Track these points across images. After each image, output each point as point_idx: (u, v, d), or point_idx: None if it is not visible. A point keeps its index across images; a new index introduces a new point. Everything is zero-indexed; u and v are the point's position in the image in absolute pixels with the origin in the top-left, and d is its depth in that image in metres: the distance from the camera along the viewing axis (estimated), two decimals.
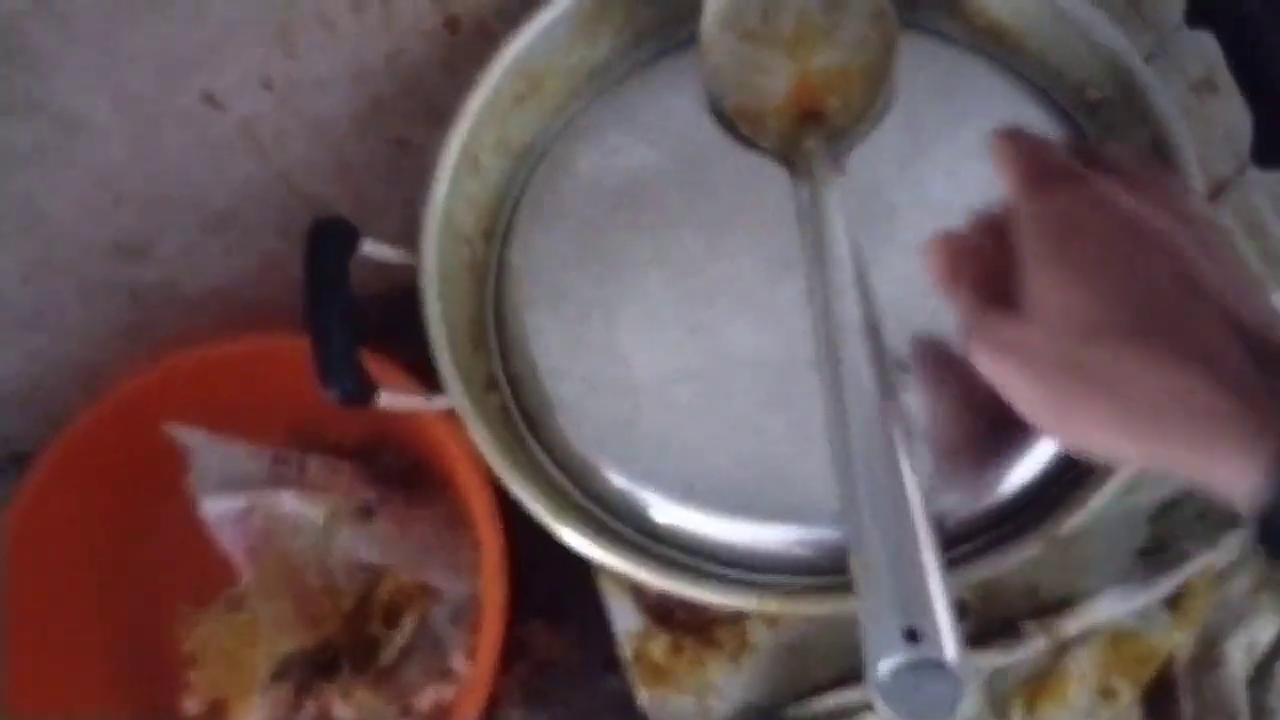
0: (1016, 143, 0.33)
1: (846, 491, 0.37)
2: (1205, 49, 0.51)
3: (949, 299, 0.34)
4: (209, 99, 0.50)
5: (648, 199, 0.47)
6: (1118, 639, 0.49)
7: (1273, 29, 0.56)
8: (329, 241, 0.42)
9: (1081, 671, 0.49)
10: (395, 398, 0.42)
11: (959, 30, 0.51)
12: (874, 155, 0.45)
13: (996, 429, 0.34)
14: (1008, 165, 0.33)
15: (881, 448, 0.36)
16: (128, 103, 0.49)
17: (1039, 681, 0.49)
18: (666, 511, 0.41)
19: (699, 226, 0.46)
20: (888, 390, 0.38)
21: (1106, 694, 0.49)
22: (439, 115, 0.56)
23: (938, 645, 0.32)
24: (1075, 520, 0.39)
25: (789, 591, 0.39)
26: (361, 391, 0.40)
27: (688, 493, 0.41)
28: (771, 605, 0.39)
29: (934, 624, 0.33)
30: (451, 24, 0.52)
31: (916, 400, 0.36)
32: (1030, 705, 0.48)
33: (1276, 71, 0.54)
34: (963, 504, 0.40)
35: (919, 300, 0.34)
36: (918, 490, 0.36)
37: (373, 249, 0.45)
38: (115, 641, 0.60)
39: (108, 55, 0.46)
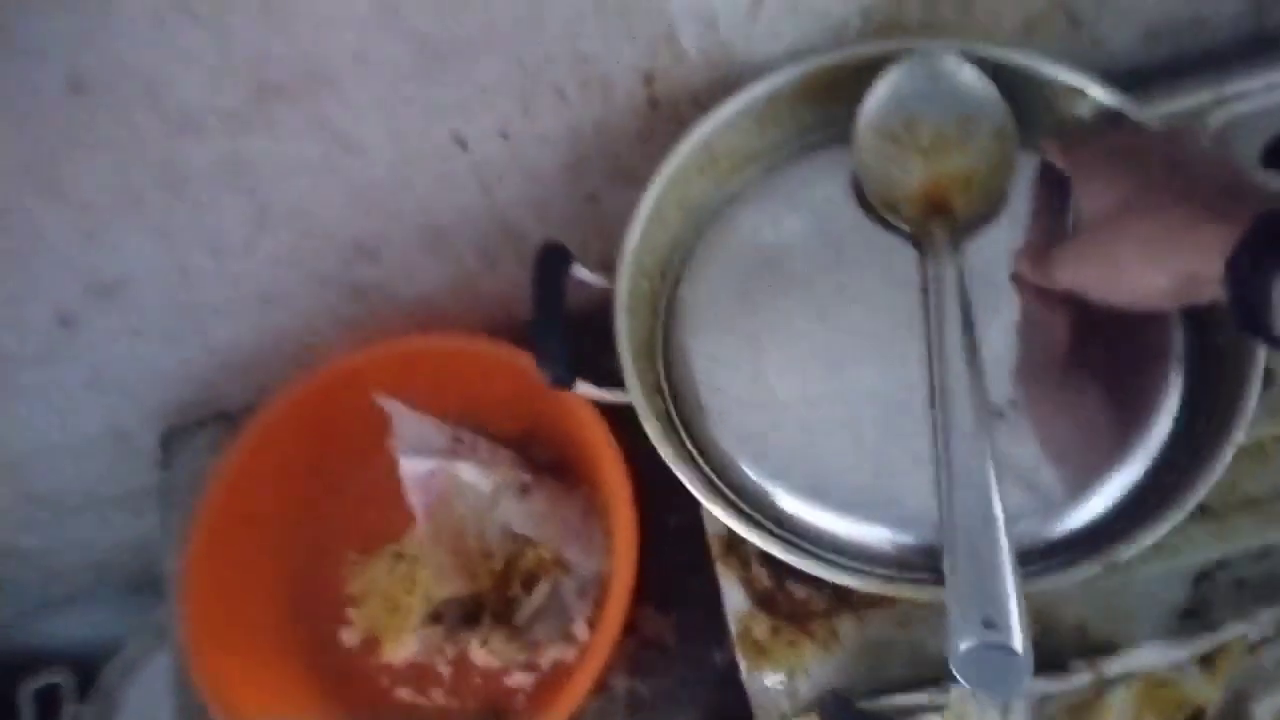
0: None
1: (945, 505, 0.47)
2: None
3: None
4: (458, 140, 0.63)
5: (797, 258, 0.58)
6: (1154, 684, 0.57)
7: None
8: (553, 257, 0.54)
9: (1121, 707, 0.56)
10: (587, 387, 0.53)
11: None
12: (988, 244, 0.56)
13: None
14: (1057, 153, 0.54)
15: (977, 474, 0.47)
16: (396, 134, 0.62)
17: (1080, 711, 0.56)
18: (792, 505, 0.51)
19: (839, 284, 0.57)
20: (984, 430, 0.48)
21: None
22: (627, 177, 0.69)
23: (1009, 633, 0.42)
24: (1131, 552, 0.47)
25: (887, 579, 0.49)
26: (568, 376, 0.51)
27: (810, 491, 0.51)
28: (873, 586, 0.48)
29: (1007, 617, 0.43)
30: (653, 103, 0.64)
31: (1009, 441, 0.46)
32: None
33: None
34: (1037, 530, 0.49)
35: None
36: (1001, 511, 0.46)
37: (580, 272, 0.56)
38: (290, 580, 0.71)
39: (392, 97, 0.59)
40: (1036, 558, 0.49)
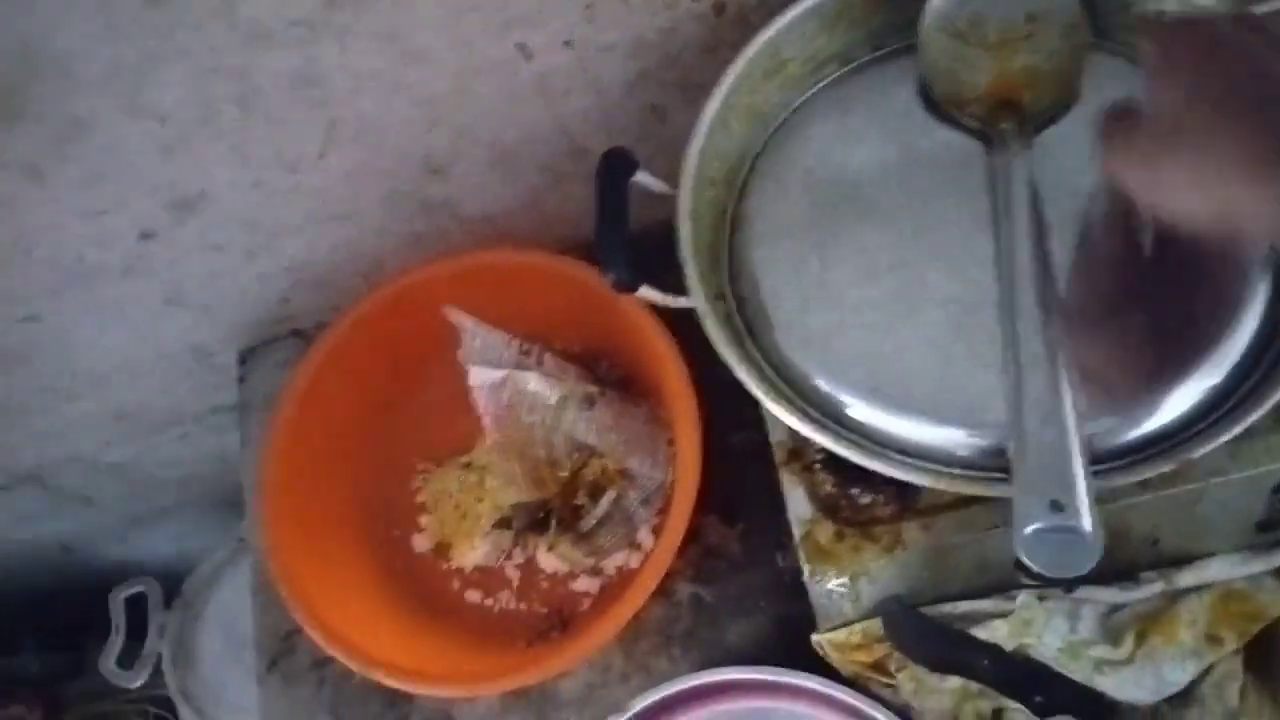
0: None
1: (1014, 391, 0.46)
2: None
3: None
4: (522, 49, 0.63)
5: (864, 165, 0.57)
6: (1229, 595, 0.56)
7: None
8: (617, 162, 0.54)
9: (1192, 617, 0.55)
10: (651, 292, 0.53)
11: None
12: (1057, 143, 0.54)
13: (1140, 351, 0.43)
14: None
15: (1046, 360, 0.46)
16: (460, 44, 0.62)
17: (1152, 619, 0.56)
18: (858, 409, 0.51)
19: (908, 190, 0.56)
20: (1051, 319, 0.47)
21: (1213, 640, 0.55)
22: (694, 89, 0.67)
23: (1077, 515, 0.41)
24: (1205, 448, 0.46)
25: (955, 477, 0.49)
26: (631, 279, 0.51)
27: (876, 394, 0.50)
28: (940, 483, 0.48)
29: (1074, 498, 0.42)
30: (718, 8, 0.63)
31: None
32: (1141, 637, 0.55)
33: None
34: (1114, 428, 0.48)
35: None
36: (1070, 396, 0.45)
37: (643, 178, 0.56)
38: (363, 489, 0.74)
39: (456, 5, 0.59)
40: (1111, 457, 0.48)
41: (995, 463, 0.49)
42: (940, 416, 0.49)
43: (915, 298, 0.52)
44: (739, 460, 0.65)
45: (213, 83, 0.60)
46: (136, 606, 0.99)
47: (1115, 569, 0.58)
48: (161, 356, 0.84)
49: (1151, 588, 0.57)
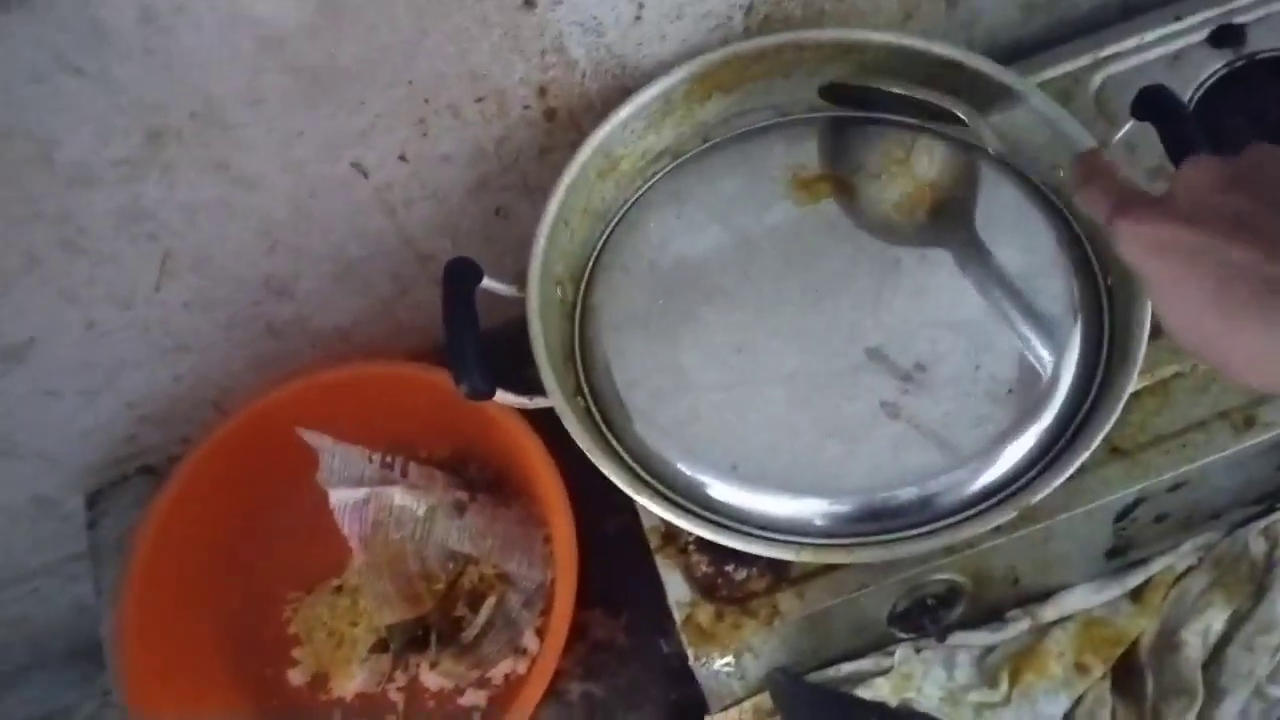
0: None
1: None
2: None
3: (1086, 201, 0.44)
4: (358, 167, 0.63)
5: (703, 251, 0.60)
6: (1090, 624, 0.59)
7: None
8: (462, 272, 0.54)
9: (1060, 649, 0.58)
10: (508, 396, 0.53)
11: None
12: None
13: None
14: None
15: None
16: (292, 167, 0.61)
17: (1022, 657, 0.58)
18: (719, 489, 0.52)
19: (745, 272, 0.58)
20: None
21: (1081, 669, 0.58)
22: (534, 190, 0.69)
23: None
24: (1039, 495, 0.49)
25: (818, 546, 0.50)
26: (486, 387, 0.51)
27: (735, 473, 0.52)
28: (807, 555, 0.49)
29: None
30: (549, 114, 0.65)
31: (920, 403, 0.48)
32: (1015, 676, 0.58)
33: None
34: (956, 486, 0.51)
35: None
36: None
37: (490, 284, 0.57)
38: (230, 626, 0.70)
39: (285, 131, 0.59)
40: (957, 510, 0.50)
41: (852, 529, 0.50)
42: (796, 489, 0.51)
43: (761, 376, 0.55)
44: (617, 547, 0.65)
45: (32, 229, 0.58)
46: None
47: (982, 611, 0.60)
48: (1, 513, 0.79)
49: (1019, 625, 0.59)
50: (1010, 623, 0.59)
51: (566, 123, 0.66)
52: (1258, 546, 0.61)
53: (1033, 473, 0.51)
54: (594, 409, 0.57)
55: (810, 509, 0.51)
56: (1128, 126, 0.56)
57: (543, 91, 0.64)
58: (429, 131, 0.63)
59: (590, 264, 0.62)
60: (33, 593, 0.90)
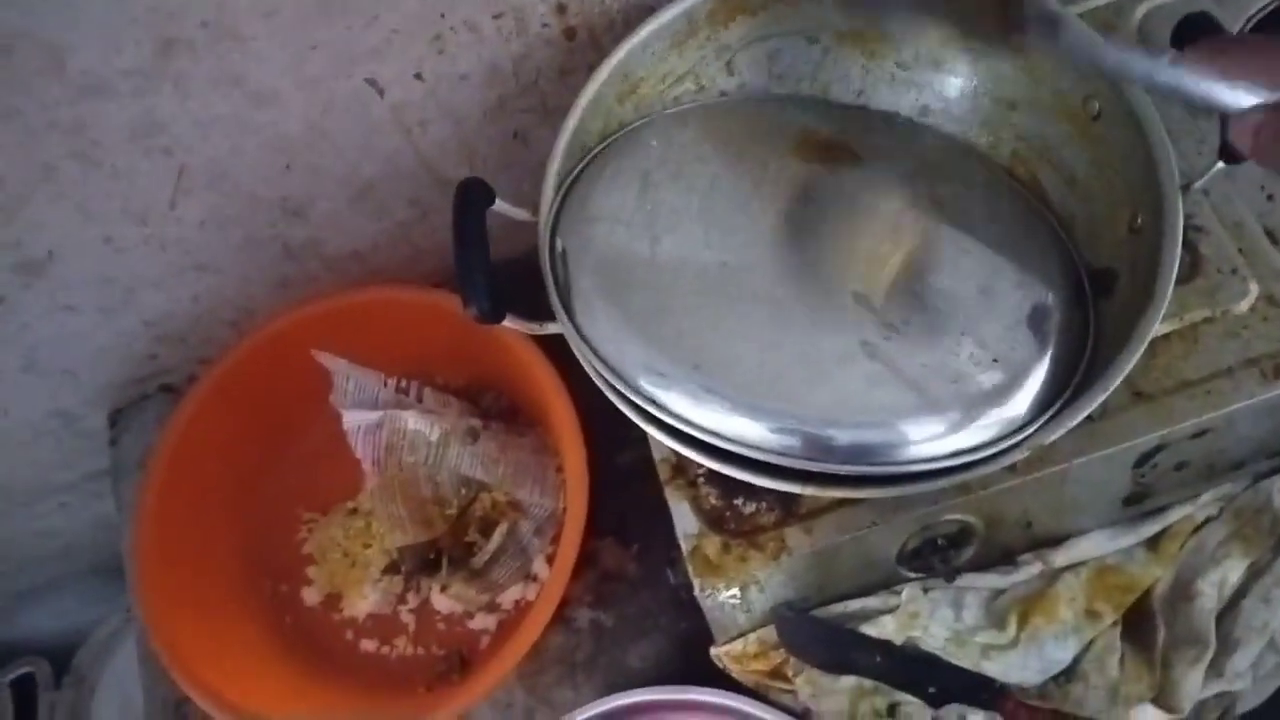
0: None
1: None
2: None
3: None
4: (372, 84, 0.62)
5: (700, 177, 0.58)
6: (1103, 570, 0.58)
7: None
8: (473, 193, 0.53)
9: (1070, 594, 0.57)
10: (517, 321, 0.53)
11: None
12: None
13: None
14: None
15: None
16: (308, 83, 0.60)
17: (1032, 601, 0.57)
18: (676, 390, 0.50)
19: (737, 202, 0.57)
20: None
21: (1091, 615, 0.57)
22: (554, 114, 0.68)
23: None
24: (1051, 436, 0.47)
25: (828, 481, 0.49)
26: (495, 311, 0.51)
27: (696, 373, 0.50)
28: (814, 489, 0.49)
29: None
30: (569, 33, 0.64)
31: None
32: (1024, 619, 0.57)
33: None
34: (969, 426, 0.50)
35: None
36: None
37: (503, 207, 0.56)
38: (246, 545, 0.71)
39: (299, 44, 0.58)
40: (969, 453, 0.49)
41: (863, 458, 0.49)
42: (756, 404, 0.49)
43: (739, 293, 0.53)
44: (629, 479, 0.65)
45: (47, 140, 0.58)
46: (25, 688, 0.94)
47: (993, 554, 0.59)
48: (26, 427, 0.80)
49: (1030, 569, 0.58)
50: (1021, 566, 0.58)
51: (586, 42, 0.64)
52: (1279, 499, 0.59)
53: (1047, 416, 0.50)
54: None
55: (768, 429, 0.49)
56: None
57: (562, 8, 0.62)
58: (445, 49, 0.61)
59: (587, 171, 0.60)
60: (61, 508, 0.92)
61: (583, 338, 0.52)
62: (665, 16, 0.61)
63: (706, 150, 0.61)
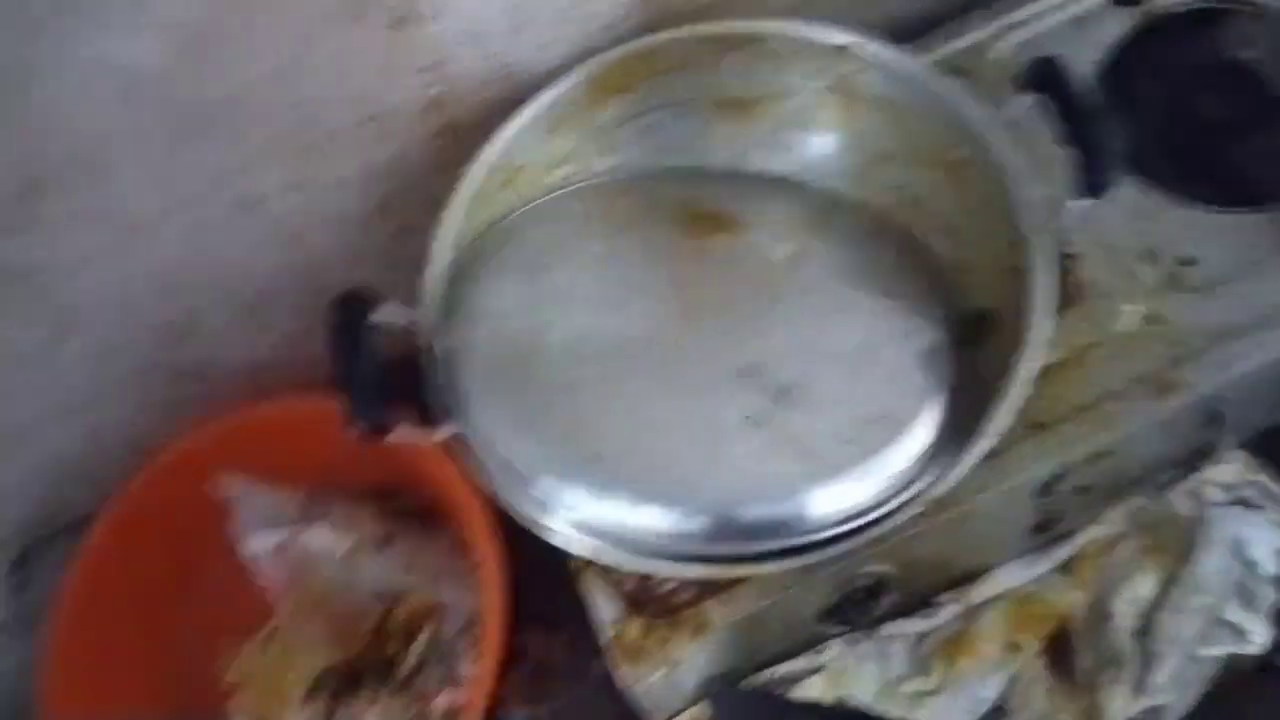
0: None
1: None
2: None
3: None
4: (247, 200, 0.61)
5: (582, 263, 0.60)
6: (1021, 601, 0.59)
7: None
8: (351, 304, 0.53)
9: (992, 630, 0.58)
10: (406, 430, 0.52)
11: None
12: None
13: None
14: None
15: None
16: (182, 205, 0.60)
17: (954, 642, 0.58)
18: (571, 489, 0.51)
19: (621, 285, 0.58)
20: None
21: (1013, 648, 0.58)
22: (437, 208, 0.67)
23: None
24: (943, 488, 0.48)
25: (735, 561, 0.49)
26: (381, 426, 0.50)
27: (588, 470, 0.51)
28: (719, 572, 0.49)
29: None
30: (444, 130, 0.64)
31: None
32: (949, 661, 0.57)
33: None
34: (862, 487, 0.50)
35: None
36: None
37: (385, 313, 0.55)
38: (165, 681, 0.69)
39: (167, 169, 0.58)
40: (870, 510, 0.49)
41: (716, 542, 0.50)
42: (650, 494, 0.50)
43: (626, 378, 0.54)
44: (552, 564, 0.63)
45: None
46: None
47: (913, 599, 0.60)
48: None
49: (950, 610, 0.59)
50: (941, 608, 0.59)
51: (462, 136, 0.65)
52: (1184, 508, 0.60)
53: (940, 464, 0.50)
54: None
55: (666, 518, 0.50)
56: (1021, 100, 0.56)
57: (434, 106, 0.63)
58: (319, 157, 0.61)
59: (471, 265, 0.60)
60: None
61: (475, 442, 0.51)
62: (539, 104, 0.62)
63: (592, 231, 0.61)
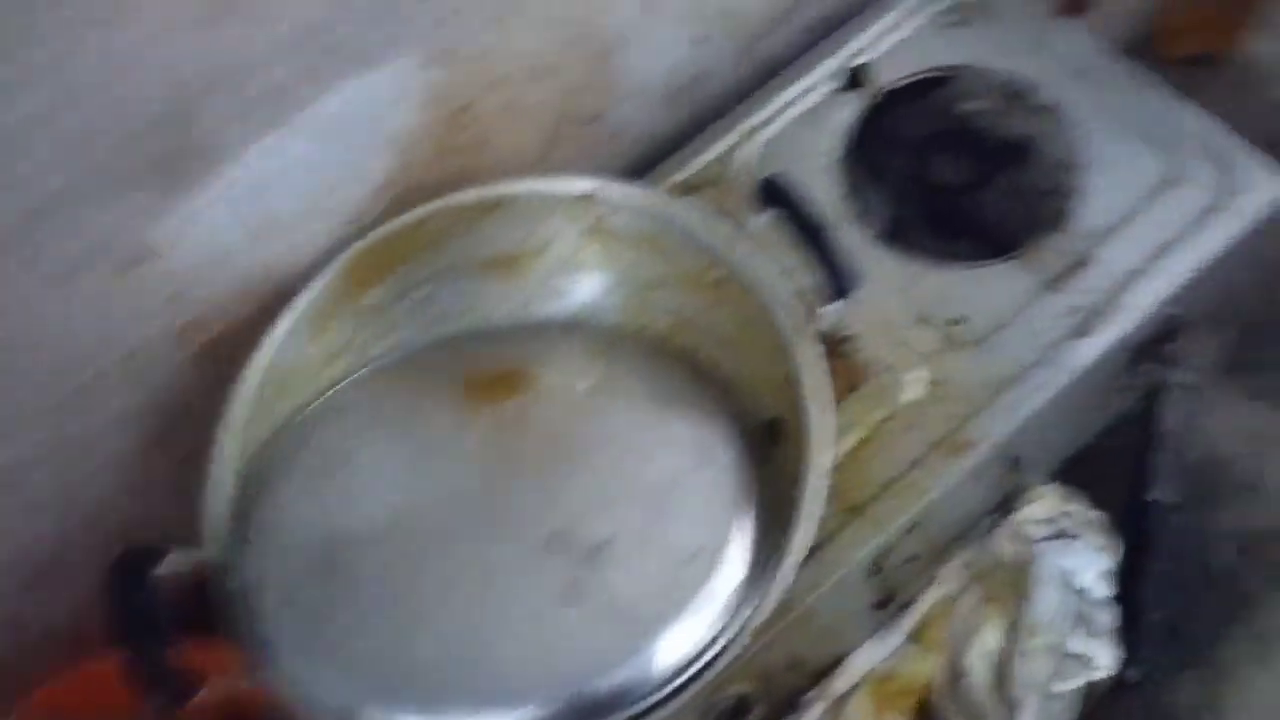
0: None
1: None
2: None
3: None
4: (10, 468, 0.57)
5: (371, 461, 0.58)
6: (880, 682, 0.60)
7: None
8: (127, 568, 0.49)
9: (859, 717, 0.58)
10: (221, 682, 0.49)
11: None
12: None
13: None
14: None
15: None
16: None
17: None
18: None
19: (416, 476, 0.57)
20: None
21: None
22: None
23: None
24: (763, 614, 0.49)
25: None
26: (186, 690, 0.46)
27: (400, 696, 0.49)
28: None
29: None
30: (205, 350, 0.62)
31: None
32: None
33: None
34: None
35: None
36: None
37: (172, 562, 0.52)
38: None
39: None
40: (709, 648, 0.49)
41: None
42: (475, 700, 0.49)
43: (431, 583, 0.52)
44: None
45: None
46: None
47: (780, 705, 0.59)
48: None
49: (816, 709, 0.59)
50: (807, 708, 0.59)
51: (227, 353, 0.63)
52: (1010, 550, 0.63)
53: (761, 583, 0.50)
54: None
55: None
56: (759, 218, 0.58)
57: (190, 330, 0.61)
58: (76, 410, 0.58)
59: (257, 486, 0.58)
60: None
61: (284, 687, 0.48)
62: (296, 308, 0.60)
63: (381, 419, 0.60)
